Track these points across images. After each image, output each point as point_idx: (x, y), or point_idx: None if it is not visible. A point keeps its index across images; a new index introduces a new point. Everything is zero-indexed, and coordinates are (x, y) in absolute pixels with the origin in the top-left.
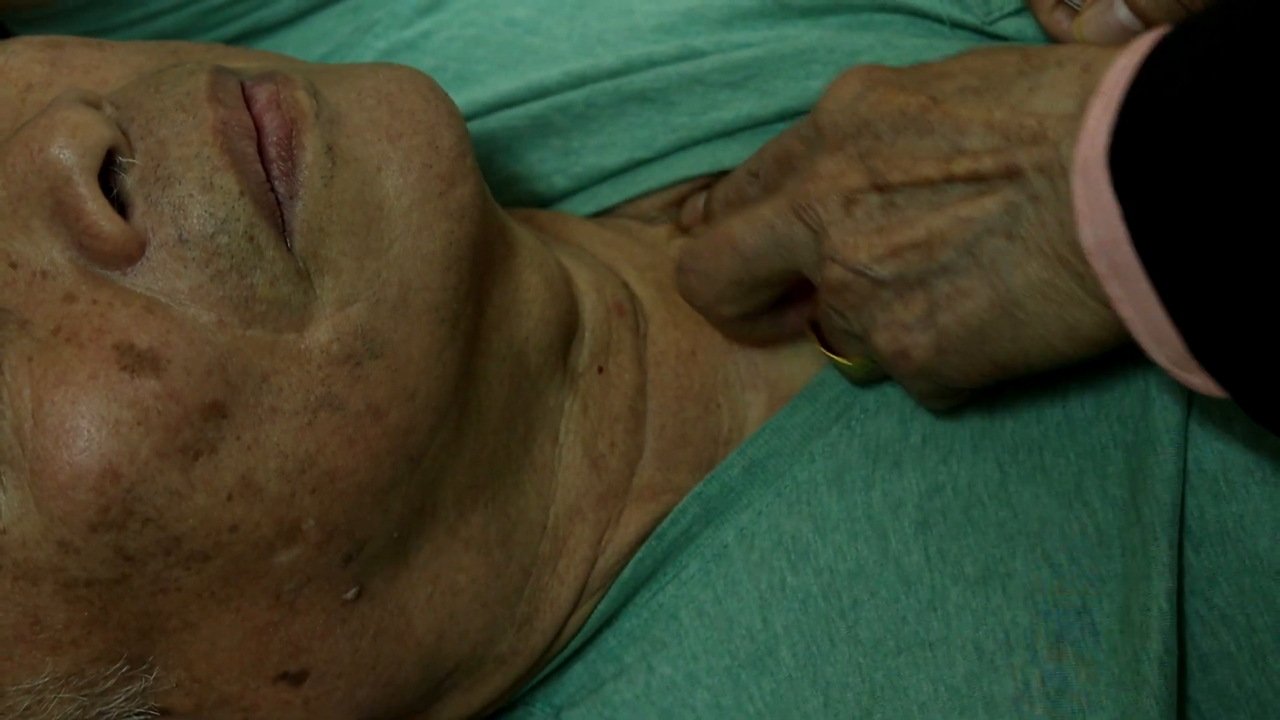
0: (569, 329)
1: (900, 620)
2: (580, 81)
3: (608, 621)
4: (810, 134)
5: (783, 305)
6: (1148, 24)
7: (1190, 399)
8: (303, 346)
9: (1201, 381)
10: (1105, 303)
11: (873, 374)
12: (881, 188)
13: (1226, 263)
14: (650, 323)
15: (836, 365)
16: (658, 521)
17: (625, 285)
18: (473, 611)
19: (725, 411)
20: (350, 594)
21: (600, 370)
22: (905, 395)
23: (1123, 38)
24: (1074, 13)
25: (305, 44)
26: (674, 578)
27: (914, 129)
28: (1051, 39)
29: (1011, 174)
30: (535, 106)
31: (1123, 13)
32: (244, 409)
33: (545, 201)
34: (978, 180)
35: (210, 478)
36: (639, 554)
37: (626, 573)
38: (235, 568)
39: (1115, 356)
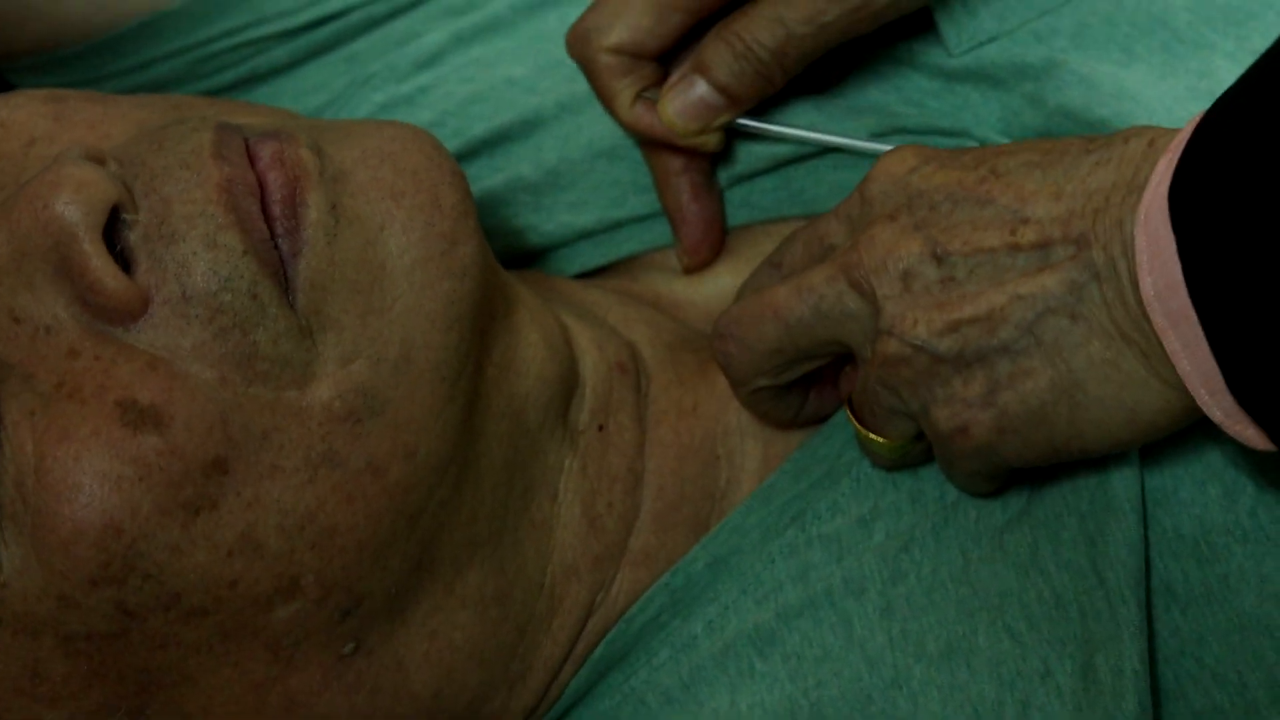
0: (569, 387)
1: (866, 699)
2: (560, 140)
3: (580, 698)
4: (854, 210)
5: (809, 386)
6: (730, 98)
7: (1141, 472)
8: (304, 404)
9: (1256, 434)
10: (1168, 381)
11: (905, 458)
12: (940, 257)
13: (1275, 309)
14: (653, 382)
15: (868, 445)
16: (648, 587)
17: (630, 345)
18: (469, 668)
19: (724, 464)
20: (348, 649)
21: (600, 429)
22: (859, 497)
23: (706, 114)
24: (652, 104)
25: (300, 94)
26: (645, 663)
27: (973, 200)
28: (640, 135)
29: (1077, 244)
30: (510, 160)
31: (703, 89)
32: (245, 465)
33: (520, 258)
34: (1041, 251)
35: (211, 534)
36: (610, 635)
37: (599, 652)
38: (234, 623)
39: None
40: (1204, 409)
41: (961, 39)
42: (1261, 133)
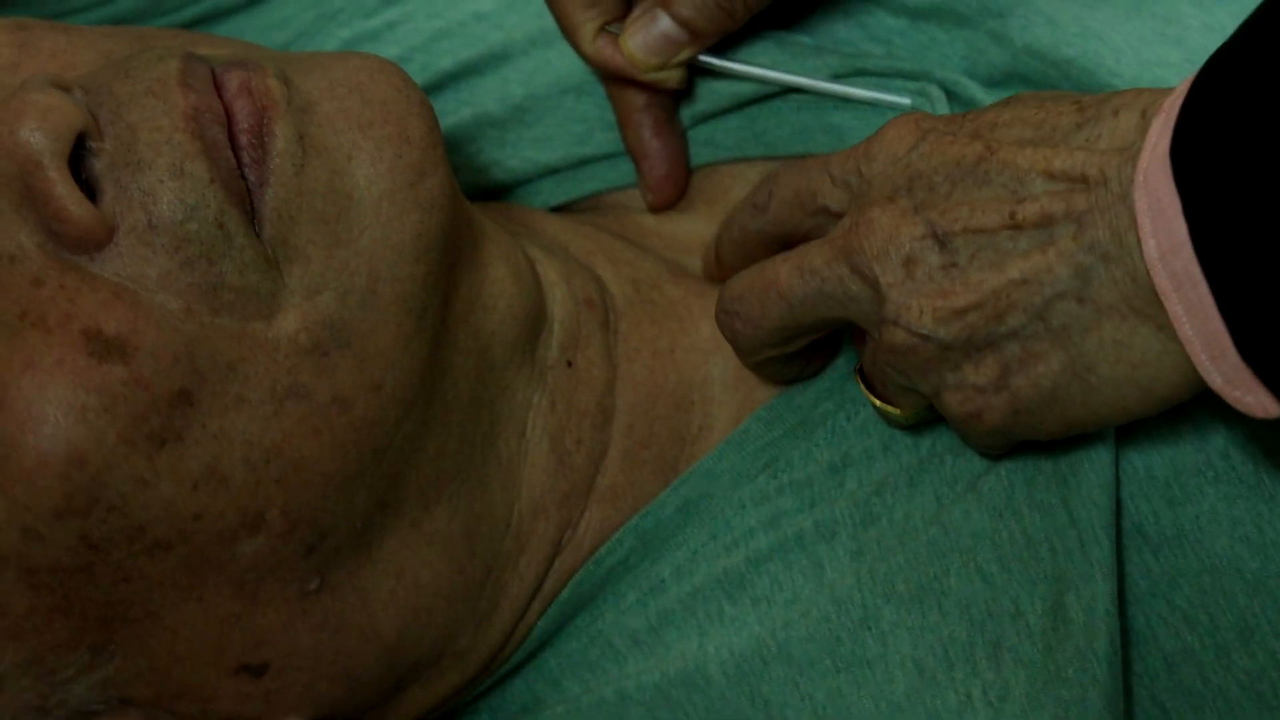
0: (536, 322)
1: (834, 640)
2: (527, 75)
3: (547, 639)
4: (852, 178)
5: (810, 348)
6: (692, 32)
7: None
8: (270, 335)
9: (1256, 400)
10: (1181, 353)
11: (920, 421)
12: (940, 239)
13: None
14: (622, 319)
15: (884, 413)
16: (615, 528)
17: (598, 280)
18: (435, 606)
19: (699, 410)
20: (313, 586)
21: (569, 365)
22: (833, 446)
23: (668, 48)
24: (614, 38)
25: (265, 30)
26: (613, 606)
27: (971, 179)
28: (602, 69)
29: (1077, 222)
30: (476, 95)
31: (665, 24)
32: (211, 397)
33: (484, 194)
34: (1042, 227)
35: (176, 466)
36: (577, 577)
37: (566, 593)
38: (198, 557)
39: None
40: (1203, 375)
41: None
42: (1266, 84)
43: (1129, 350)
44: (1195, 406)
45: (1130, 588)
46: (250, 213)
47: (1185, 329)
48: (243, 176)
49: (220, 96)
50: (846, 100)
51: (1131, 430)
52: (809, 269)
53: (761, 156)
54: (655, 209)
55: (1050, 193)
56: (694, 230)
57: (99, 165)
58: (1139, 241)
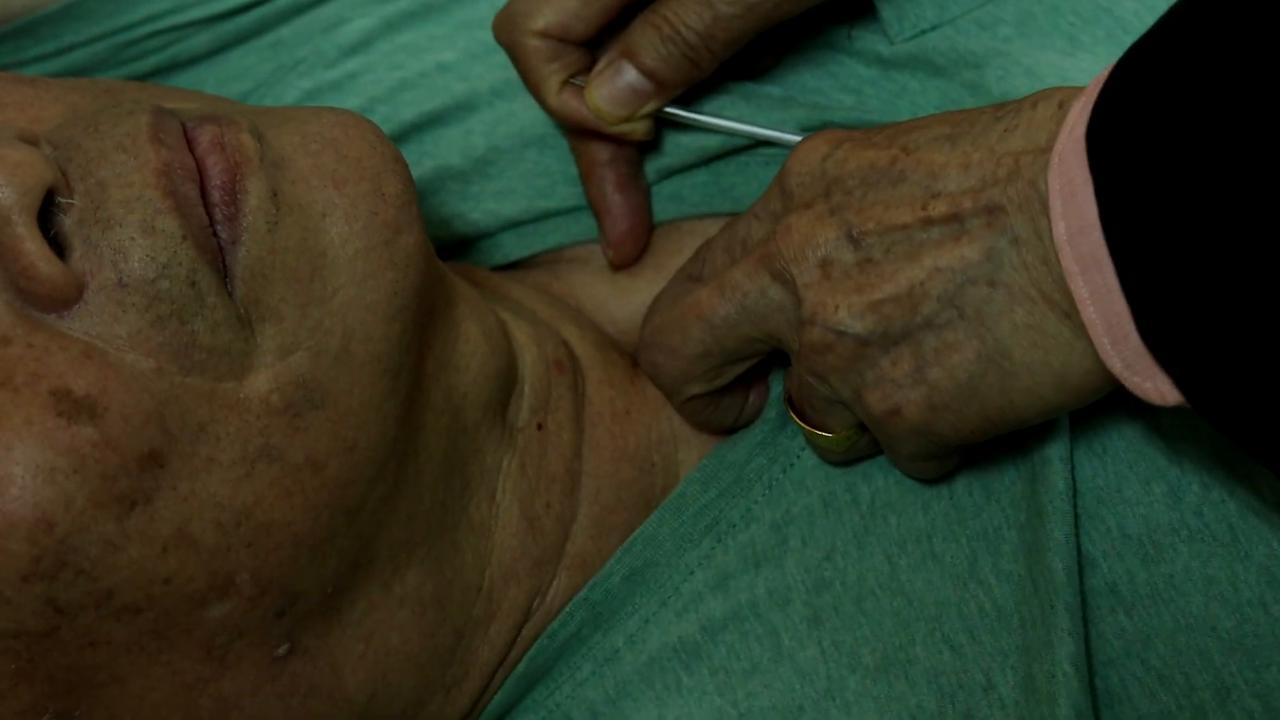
0: (508, 383)
1: (798, 710)
2: (490, 127)
3: (505, 713)
4: (775, 205)
5: (743, 388)
6: (658, 83)
7: (1072, 470)
8: (242, 395)
9: (1155, 387)
10: (1090, 339)
11: (855, 449)
12: (855, 239)
13: (1192, 248)
14: (588, 381)
15: (816, 443)
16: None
17: (565, 343)
18: (405, 671)
19: (659, 470)
20: (282, 650)
21: (539, 427)
22: (772, 503)
23: (635, 100)
24: (579, 90)
25: (225, 81)
26: (568, 678)
27: (886, 180)
28: (566, 122)
29: (990, 212)
30: (439, 147)
31: (630, 75)
32: (181, 459)
33: (445, 248)
34: (954, 222)
35: (145, 529)
36: (532, 650)
37: (522, 667)
38: (167, 621)
39: (1000, 444)
40: (1105, 360)
41: (903, 26)
42: (1182, 70)
43: (1041, 336)
44: (1167, 465)
45: (1103, 648)
46: (223, 270)
47: (1089, 311)
48: (215, 234)
49: (192, 152)
50: None
51: (1103, 489)
52: (729, 285)
53: (728, 212)
54: (616, 266)
55: (963, 187)
56: (653, 286)
57: (68, 222)
58: (1050, 226)
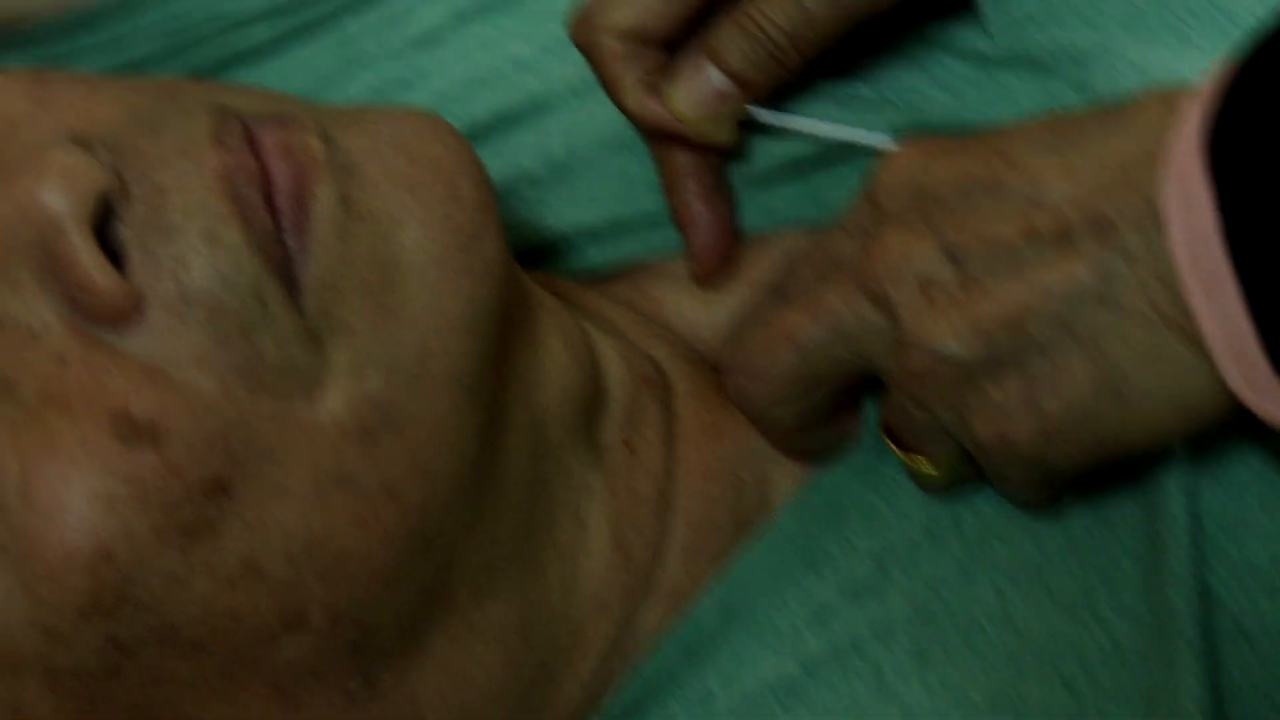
0: (594, 400)
1: None
2: (568, 129)
3: None
4: (864, 220)
5: (835, 412)
6: (742, 85)
7: (1198, 503)
8: (313, 417)
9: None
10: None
11: (957, 478)
12: (955, 255)
13: None
14: (676, 396)
15: (915, 471)
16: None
17: (651, 357)
18: (487, 708)
19: (751, 488)
20: (356, 687)
21: (627, 446)
22: (872, 533)
23: (717, 103)
24: (660, 94)
25: (288, 75)
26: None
27: (985, 191)
28: (646, 126)
29: (1100, 226)
30: (513, 148)
31: (714, 76)
32: (248, 486)
33: (519, 257)
34: (1062, 237)
35: (211, 561)
36: (619, 688)
37: (609, 706)
38: (234, 658)
39: (1115, 470)
40: (1230, 383)
41: (1005, 20)
42: None
43: (1160, 359)
44: None
45: (1229, 688)
46: (290, 283)
47: (1210, 331)
48: (281, 243)
49: (257, 156)
50: None
51: (1226, 517)
52: (821, 307)
53: (822, 224)
54: (700, 280)
55: (1069, 198)
56: (742, 301)
57: (125, 231)
58: (1165, 240)
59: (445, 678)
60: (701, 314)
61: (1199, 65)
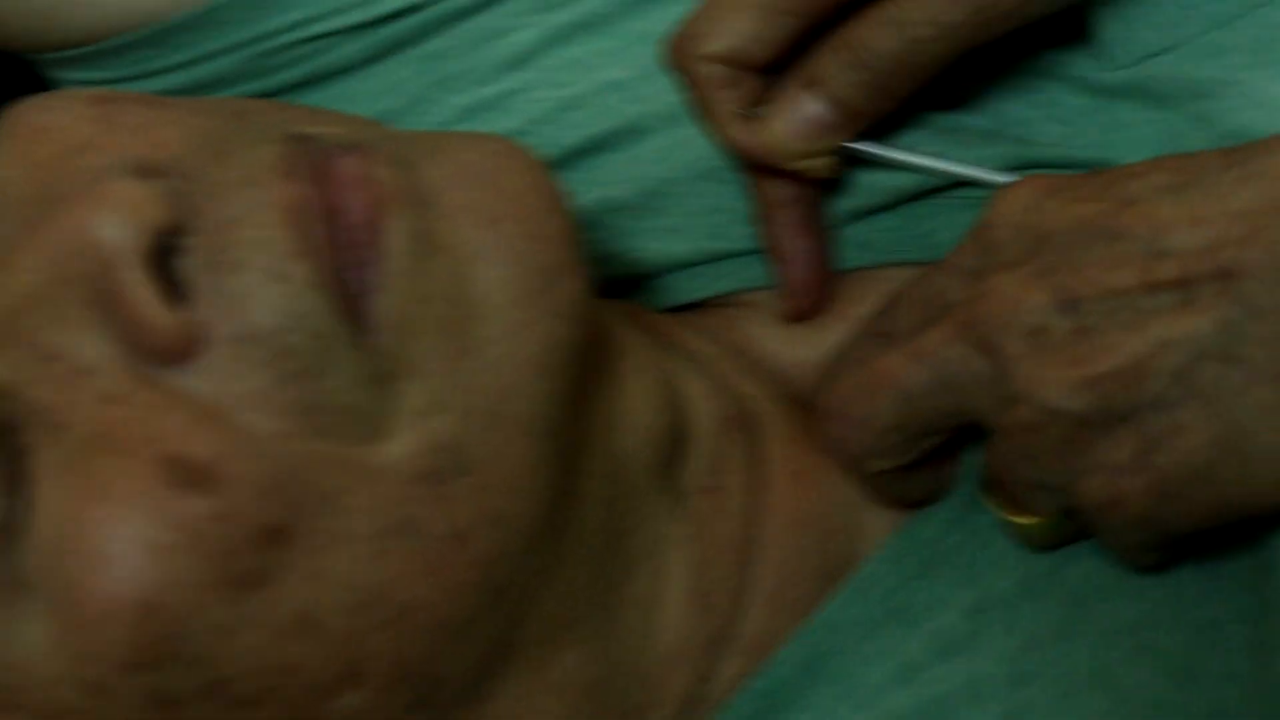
0: (677, 443)
1: None
2: (661, 156)
3: None
4: (970, 260)
5: (934, 461)
6: (845, 115)
7: None
8: (378, 462)
9: None
10: None
11: (1058, 536)
12: (1068, 305)
13: None
14: (765, 439)
15: (1013, 527)
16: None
17: (739, 395)
18: None
19: (845, 538)
20: None
21: (711, 491)
22: (966, 586)
23: (817, 133)
24: (757, 122)
25: (372, 97)
26: None
27: (1103, 236)
28: (742, 156)
29: (1223, 277)
30: (603, 175)
31: (814, 105)
32: (307, 534)
33: (605, 288)
34: (1182, 288)
35: (265, 613)
36: None
37: None
38: (288, 713)
39: (1227, 525)
40: None
41: (1125, 50)
42: None
43: None
44: None
45: None
46: (360, 320)
47: None
48: (353, 279)
49: (328, 185)
50: None
51: None
52: (925, 352)
53: (922, 260)
54: (791, 319)
55: (1192, 247)
56: (836, 341)
57: (187, 265)
58: None
59: None
60: (796, 352)
61: None
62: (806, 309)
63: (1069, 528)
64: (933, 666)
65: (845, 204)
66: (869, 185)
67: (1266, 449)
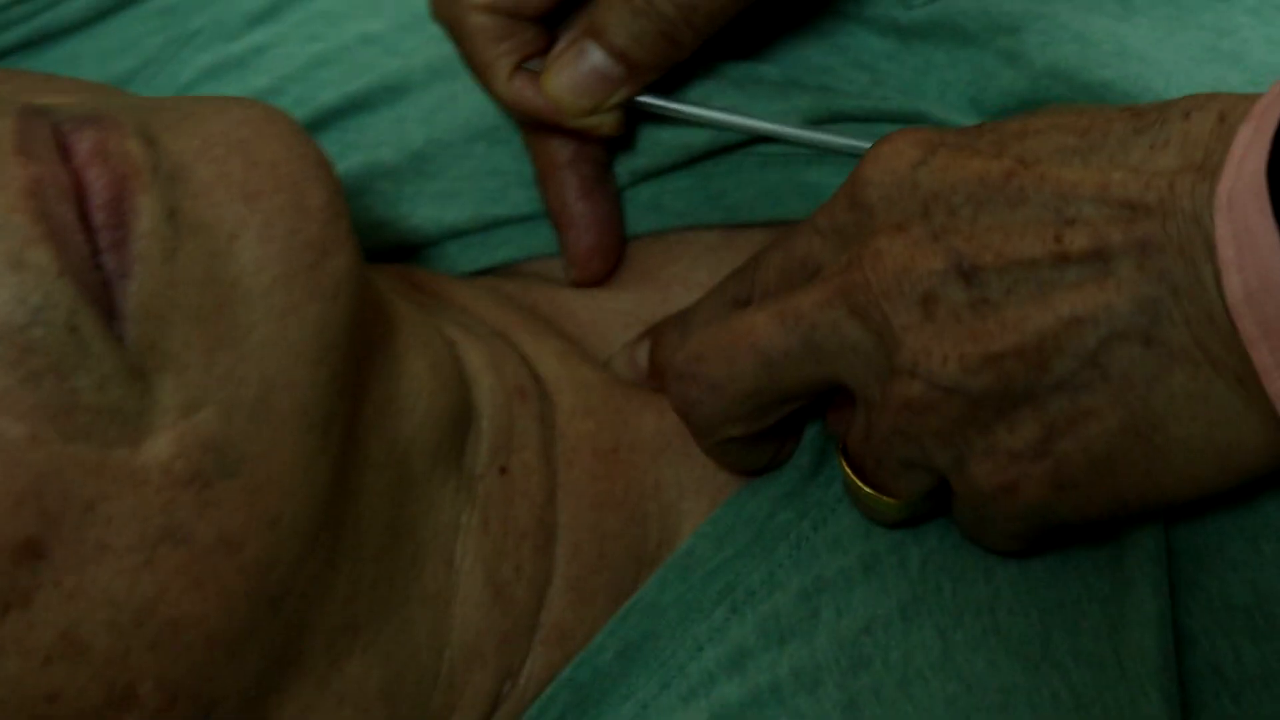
0: (461, 422)
1: None
2: (428, 114)
3: None
4: (843, 220)
5: (782, 428)
6: (630, 67)
7: (1165, 529)
8: (138, 465)
9: None
10: (1269, 412)
11: (916, 512)
12: (967, 273)
13: None
14: (558, 409)
15: (870, 503)
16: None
17: (526, 360)
18: None
19: (655, 523)
20: None
21: (502, 471)
22: (801, 566)
23: (601, 88)
24: (535, 76)
25: (106, 56)
26: None
27: (1002, 199)
28: (520, 113)
29: (1143, 250)
30: (366, 137)
31: (596, 57)
32: (65, 547)
33: (374, 259)
34: (1096, 260)
35: (23, 636)
36: None
37: None
38: None
39: None
40: None
41: None
42: None
43: (1205, 405)
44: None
45: None
46: (110, 311)
47: (1275, 384)
48: (99, 266)
49: (68, 163)
50: (826, 152)
51: (1202, 550)
52: (794, 315)
53: (719, 222)
54: (579, 284)
55: (1106, 215)
56: (623, 312)
57: None
58: (1217, 274)
59: None
60: (588, 305)
61: (1148, 35)
62: (593, 276)
63: (926, 506)
64: (765, 653)
65: (632, 163)
66: (658, 143)
67: (1179, 439)
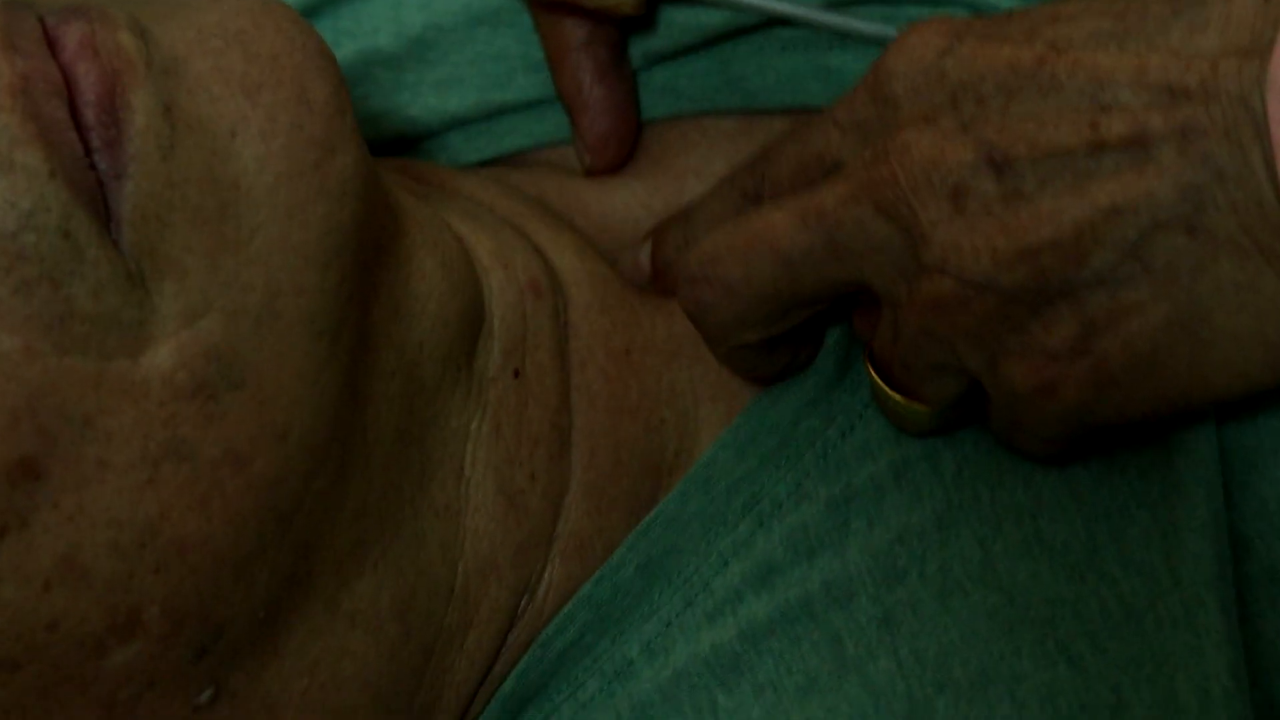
0: (474, 323)
1: None
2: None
3: None
4: (866, 113)
5: (801, 332)
6: None
7: (1219, 432)
8: (138, 377)
9: None
10: None
11: (943, 423)
12: (999, 164)
13: None
14: (572, 304)
15: (898, 410)
16: (581, 585)
17: (539, 252)
18: (361, 705)
19: (671, 430)
20: (204, 697)
21: (515, 374)
22: (829, 476)
23: None
24: None
25: None
26: (568, 697)
27: (1034, 87)
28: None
29: (1185, 135)
30: (362, 23)
31: None
32: (63, 466)
33: (375, 151)
34: (1136, 147)
35: (20, 562)
36: (521, 665)
37: (509, 685)
38: (56, 675)
39: None
40: None
41: None
42: None
43: (1253, 295)
44: None
45: (1264, 652)
46: (105, 214)
47: None
48: (92, 166)
49: (56, 58)
50: (848, 36)
51: (1253, 452)
52: (816, 213)
53: (738, 109)
54: (592, 173)
55: (1144, 101)
56: (642, 200)
57: None
58: (1266, 157)
59: (309, 676)
60: (601, 198)
61: None
62: (609, 163)
63: (956, 415)
64: (794, 566)
65: (648, 45)
66: (675, 24)
67: (1226, 331)
